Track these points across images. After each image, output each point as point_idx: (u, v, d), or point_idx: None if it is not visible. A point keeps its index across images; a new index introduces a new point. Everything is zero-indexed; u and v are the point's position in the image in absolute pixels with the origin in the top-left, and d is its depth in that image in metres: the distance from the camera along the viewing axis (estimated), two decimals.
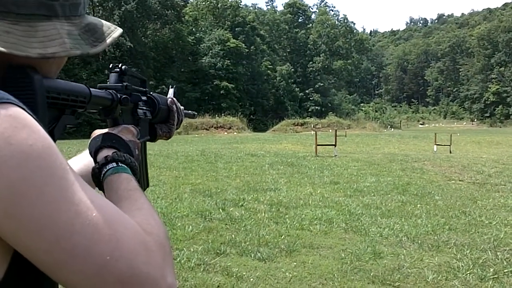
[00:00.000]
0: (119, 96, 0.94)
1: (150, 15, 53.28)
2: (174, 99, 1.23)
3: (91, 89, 0.83)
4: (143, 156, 1.09)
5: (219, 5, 68.62)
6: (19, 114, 0.56)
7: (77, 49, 0.70)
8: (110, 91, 0.93)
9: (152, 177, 9.97)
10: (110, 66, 0.98)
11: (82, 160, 1.05)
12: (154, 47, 53.86)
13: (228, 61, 58.74)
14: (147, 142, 1.16)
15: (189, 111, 1.50)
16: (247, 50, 62.05)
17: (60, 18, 0.70)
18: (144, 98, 1.09)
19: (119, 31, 0.81)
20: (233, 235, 5.51)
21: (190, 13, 66.16)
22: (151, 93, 1.13)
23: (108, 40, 0.77)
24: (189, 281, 4.07)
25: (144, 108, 1.09)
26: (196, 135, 32.99)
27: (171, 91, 1.30)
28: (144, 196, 0.77)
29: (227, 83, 57.14)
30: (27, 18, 0.65)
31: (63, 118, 0.76)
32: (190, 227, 5.81)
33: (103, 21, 0.80)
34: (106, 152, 0.84)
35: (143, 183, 1.08)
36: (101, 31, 0.77)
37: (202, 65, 57.78)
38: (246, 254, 4.84)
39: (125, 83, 0.98)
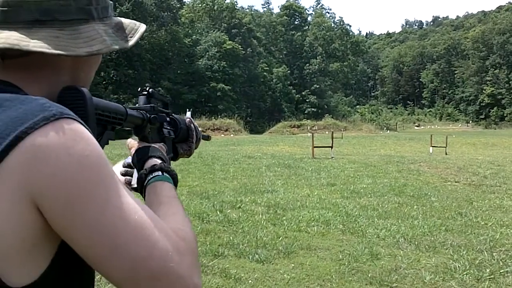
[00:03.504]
0: (148, 116, 1.03)
1: (146, 17, 53.11)
2: (192, 119, 1.31)
3: (127, 108, 0.93)
4: None
5: (215, 7, 68.54)
6: (78, 128, 0.66)
7: (116, 45, 0.79)
8: (141, 111, 1.03)
9: None
10: (139, 90, 1.09)
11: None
12: (150, 49, 53.77)
13: (225, 63, 58.68)
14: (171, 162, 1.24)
15: (204, 134, 1.57)
16: (243, 52, 61.99)
17: (96, 20, 0.79)
18: (167, 118, 1.18)
19: (143, 26, 0.89)
20: (231, 237, 5.52)
21: (186, 15, 66.12)
22: (172, 114, 1.23)
23: (137, 35, 0.85)
24: None
25: (168, 127, 1.18)
26: None
27: (188, 113, 1.38)
28: (180, 205, 0.85)
29: (223, 85, 57.08)
30: (70, 23, 0.75)
31: (106, 133, 0.85)
32: None
33: (127, 20, 0.88)
34: (155, 161, 0.94)
35: None
36: (130, 28, 0.86)
37: (199, 67, 57.70)
38: (244, 256, 4.86)
39: (152, 105, 1.08)
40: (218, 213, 6.80)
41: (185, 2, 66.01)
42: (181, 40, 57.78)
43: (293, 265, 4.61)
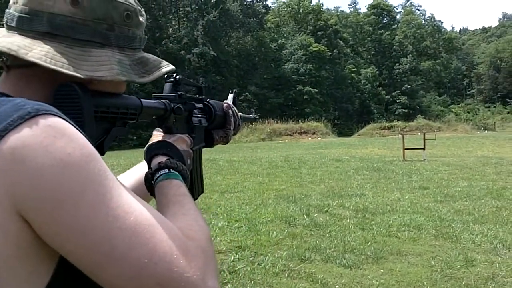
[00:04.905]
0: (172, 106, 0.96)
1: (232, 24, 54.36)
2: (230, 103, 1.24)
3: (142, 100, 0.88)
4: (198, 162, 1.12)
5: (300, 10, 68.60)
6: (58, 123, 0.61)
7: (123, 76, 0.75)
8: (164, 101, 0.96)
9: (236, 183, 10.18)
10: (165, 76, 1.00)
11: (134, 175, 1.10)
12: (237, 55, 54.86)
13: (311, 65, 58.44)
14: (205, 148, 1.19)
15: (250, 115, 1.50)
16: (330, 53, 61.40)
17: (114, 47, 0.77)
18: (199, 105, 1.11)
19: (170, 67, 0.85)
20: (317, 241, 5.49)
21: (272, 19, 66.71)
22: (208, 100, 1.16)
23: (156, 74, 0.82)
24: (273, 287, 4.11)
25: (199, 115, 1.11)
26: (280, 141, 33.14)
27: (230, 96, 1.32)
28: (192, 202, 0.81)
29: (310, 88, 56.85)
30: (82, 44, 0.73)
31: (113, 130, 0.81)
32: (275, 232, 5.86)
33: (160, 59, 0.85)
34: (160, 159, 0.90)
35: (198, 189, 1.11)
36: (152, 65, 0.82)
37: (285, 71, 57.95)
38: (331, 260, 4.81)
39: (179, 92, 1.01)
40: (305, 217, 6.78)
41: (270, 7, 66.72)
42: (267, 45, 58.39)
43: (382, 271, 4.49)
